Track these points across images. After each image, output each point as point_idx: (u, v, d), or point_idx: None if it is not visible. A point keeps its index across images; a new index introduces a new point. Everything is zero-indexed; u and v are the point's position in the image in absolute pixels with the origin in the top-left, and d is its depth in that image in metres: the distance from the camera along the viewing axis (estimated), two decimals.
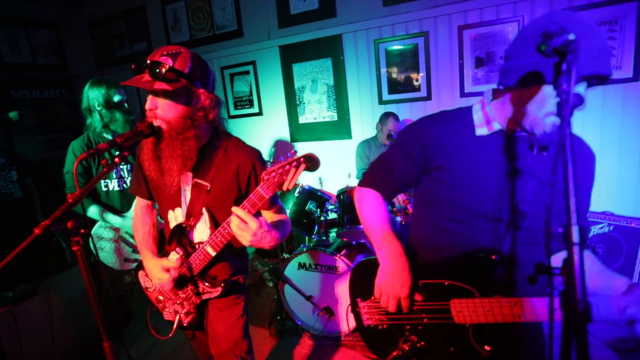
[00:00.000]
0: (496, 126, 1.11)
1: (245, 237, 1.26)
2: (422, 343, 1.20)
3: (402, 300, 1.15)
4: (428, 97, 3.72)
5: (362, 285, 1.32)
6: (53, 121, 5.21)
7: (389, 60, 3.78)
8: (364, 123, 4.06)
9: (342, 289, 2.69)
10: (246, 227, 1.24)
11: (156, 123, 1.34)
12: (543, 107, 0.93)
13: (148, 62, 1.26)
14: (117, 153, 1.27)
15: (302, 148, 4.35)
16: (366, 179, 1.34)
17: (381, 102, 3.92)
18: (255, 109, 4.58)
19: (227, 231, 1.34)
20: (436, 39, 3.56)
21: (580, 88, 0.90)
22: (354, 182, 4.10)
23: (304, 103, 4.29)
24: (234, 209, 1.26)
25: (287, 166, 1.18)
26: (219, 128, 1.48)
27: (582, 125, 3.17)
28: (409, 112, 3.83)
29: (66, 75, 5.38)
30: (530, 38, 0.95)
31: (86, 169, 2.18)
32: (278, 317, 2.93)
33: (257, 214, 1.42)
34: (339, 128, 4.17)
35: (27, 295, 2.36)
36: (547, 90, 0.91)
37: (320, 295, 2.75)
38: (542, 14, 0.99)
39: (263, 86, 4.48)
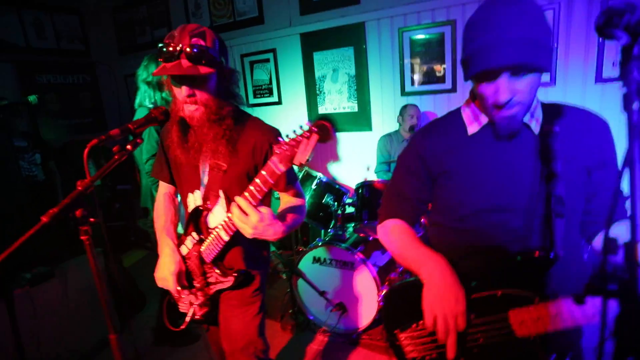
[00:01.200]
0: (484, 119, 1.09)
1: (245, 230, 1.20)
2: None
3: (459, 317, 0.99)
4: (453, 89, 3.57)
5: (400, 314, 1.17)
6: (76, 106, 5.27)
7: (414, 50, 3.64)
8: (385, 115, 3.94)
9: (357, 285, 2.62)
10: (246, 219, 1.17)
11: (191, 109, 1.30)
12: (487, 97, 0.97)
13: (182, 47, 1.21)
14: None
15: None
16: (383, 212, 1.29)
17: (404, 93, 3.78)
18: (275, 98, 4.51)
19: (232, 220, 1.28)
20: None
21: None
22: (372, 175, 4.00)
23: (324, 93, 4.19)
24: (237, 198, 1.19)
25: (299, 137, 1.09)
26: (236, 108, 1.43)
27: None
28: (432, 105, 3.69)
29: (89, 60, 5.42)
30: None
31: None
32: (290, 311, 2.89)
33: (270, 196, 1.37)
34: (359, 119, 4.07)
35: (45, 277, 2.38)
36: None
37: (334, 290, 2.69)
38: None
39: (283, 75, 4.40)
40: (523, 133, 1.06)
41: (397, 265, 2.83)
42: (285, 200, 1.46)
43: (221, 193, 1.40)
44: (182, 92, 1.27)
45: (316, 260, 2.73)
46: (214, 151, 1.35)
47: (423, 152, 1.17)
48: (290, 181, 1.44)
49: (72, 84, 5.24)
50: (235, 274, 1.41)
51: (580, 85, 3.10)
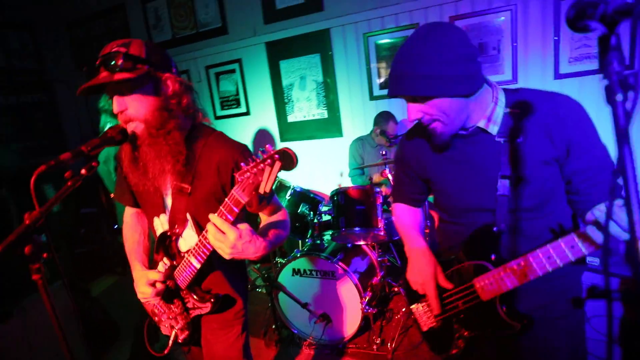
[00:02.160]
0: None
1: (223, 250, 1.10)
2: (469, 333, 1.24)
3: (430, 282, 1.23)
4: None
5: (413, 293, 1.36)
6: (31, 128, 4.98)
7: (379, 54, 3.65)
8: (355, 120, 3.93)
9: (340, 294, 2.57)
10: (224, 237, 1.08)
11: (131, 127, 1.20)
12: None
13: (100, 57, 1.14)
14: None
15: (292, 147, 4.18)
16: (392, 195, 1.55)
17: (372, 97, 3.79)
18: (243, 109, 4.42)
19: (208, 241, 1.18)
20: None
21: None
22: (346, 181, 3.97)
23: (292, 101, 4.14)
24: (211, 216, 1.10)
25: (261, 165, 1.00)
26: (196, 120, 1.32)
27: None
28: (401, 107, 3.71)
29: (44, 78, 5.15)
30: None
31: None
32: (273, 326, 2.79)
33: (248, 217, 1.27)
34: (330, 126, 4.04)
35: (1, 318, 2.18)
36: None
37: (316, 301, 2.62)
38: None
39: (250, 85, 4.32)
40: (482, 138, 1.16)
41: (379, 270, 2.80)
42: (264, 219, 1.38)
43: (189, 216, 1.30)
44: (114, 105, 1.17)
45: (296, 272, 2.66)
46: (161, 171, 1.23)
47: (408, 159, 1.36)
48: (262, 200, 1.33)
49: (26, 104, 4.95)
50: (213, 300, 1.31)
51: (540, 82, 3.19)
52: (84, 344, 1.07)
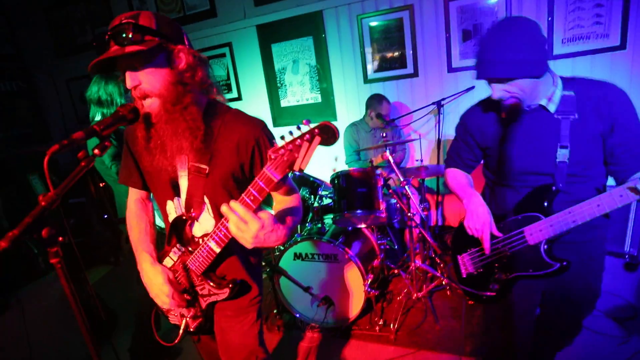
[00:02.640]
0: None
1: (246, 240, 1.05)
2: (507, 276, 1.51)
3: (486, 226, 1.46)
4: (415, 74, 3.59)
5: (461, 243, 1.65)
6: (12, 117, 4.77)
7: (373, 36, 3.61)
8: (350, 103, 3.90)
9: (342, 277, 2.57)
10: (246, 227, 1.02)
11: (146, 104, 1.13)
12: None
13: (109, 31, 1.07)
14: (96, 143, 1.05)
15: (285, 132, 4.14)
16: (446, 162, 1.78)
17: (366, 80, 3.76)
18: (234, 94, 4.33)
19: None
20: (422, 12, 3.42)
21: None
22: (341, 166, 3.96)
23: (285, 85, 4.08)
24: (232, 203, 1.03)
25: (299, 140, 0.96)
26: (212, 95, 1.26)
27: None
28: (395, 90, 3.70)
29: (22, 65, 4.92)
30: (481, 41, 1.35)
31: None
32: (275, 311, 2.79)
33: (268, 200, 1.23)
34: (324, 110, 4.00)
35: None
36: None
37: (318, 285, 2.62)
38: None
39: (241, 69, 4.23)
40: (542, 114, 1.39)
41: (379, 253, 2.81)
42: (279, 199, 1.33)
43: (206, 199, 1.26)
44: (128, 81, 1.12)
45: (297, 256, 2.64)
46: (179, 148, 1.17)
47: (471, 128, 1.58)
48: (281, 180, 1.32)
49: (5, 92, 4.73)
50: (231, 285, 1.28)
51: None
52: (87, 332, 1.02)
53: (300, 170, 0.99)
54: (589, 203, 1.26)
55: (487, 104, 1.50)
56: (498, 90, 1.33)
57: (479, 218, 1.49)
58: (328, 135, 0.96)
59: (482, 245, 1.50)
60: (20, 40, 4.92)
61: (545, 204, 1.39)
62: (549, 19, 3.08)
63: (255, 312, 1.41)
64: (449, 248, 1.69)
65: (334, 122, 3.86)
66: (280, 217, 1.22)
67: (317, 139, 0.96)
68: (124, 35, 1.05)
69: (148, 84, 1.11)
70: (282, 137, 1.00)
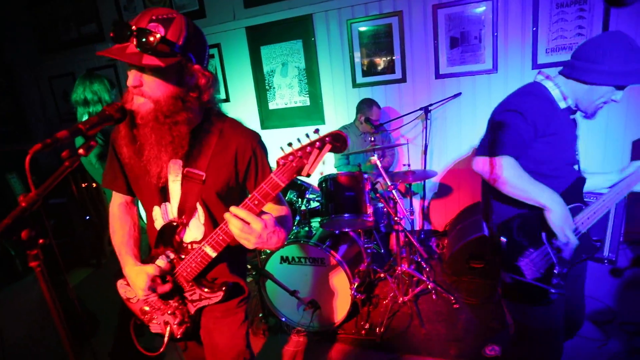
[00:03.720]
0: (567, 103, 1.50)
1: (249, 240, 1.06)
2: (568, 266, 1.52)
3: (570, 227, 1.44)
4: (403, 79, 3.61)
5: (519, 244, 1.51)
6: None
7: (363, 41, 3.63)
8: (338, 107, 3.90)
9: (329, 281, 2.56)
10: (250, 229, 1.03)
11: (137, 102, 1.10)
12: (602, 98, 1.45)
13: (134, 29, 1.01)
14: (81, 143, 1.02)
15: (273, 135, 4.13)
16: (499, 150, 1.46)
17: (355, 85, 3.77)
18: (222, 96, 4.29)
19: (227, 230, 1.13)
20: (410, 18, 3.45)
21: None
22: (328, 169, 3.95)
23: (274, 88, 4.06)
24: (233, 209, 1.04)
25: (309, 147, 0.97)
26: (212, 110, 1.24)
27: None
28: (383, 95, 3.72)
29: (2, 61, 4.79)
30: (614, 53, 1.37)
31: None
32: (260, 314, 2.76)
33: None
34: (312, 113, 3.99)
35: None
36: (609, 88, 1.41)
37: (305, 289, 2.60)
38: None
39: (229, 71, 4.19)
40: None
41: (365, 257, 2.81)
42: (271, 208, 1.32)
43: (199, 206, 1.24)
44: (130, 77, 1.08)
45: (284, 259, 2.62)
46: (156, 158, 1.15)
47: (533, 116, 1.44)
48: None
49: None
50: (224, 288, 1.26)
51: (519, 71, 3.28)
52: (66, 335, 0.98)
53: (308, 175, 1.01)
54: (612, 191, 1.51)
55: (541, 97, 1.48)
56: (620, 95, 1.45)
57: (568, 217, 1.42)
58: (340, 143, 0.98)
59: (555, 245, 1.46)
60: (1, 36, 4.78)
61: (580, 193, 1.54)
62: (534, 29, 3.14)
63: (244, 312, 1.40)
64: (489, 255, 1.68)
65: (321, 126, 3.92)
66: (279, 221, 1.21)
67: (328, 146, 0.97)
68: (147, 41, 1.00)
69: (149, 89, 1.08)
70: (290, 144, 1.00)
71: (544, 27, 3.12)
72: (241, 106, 4.26)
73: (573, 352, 2.20)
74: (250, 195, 1.08)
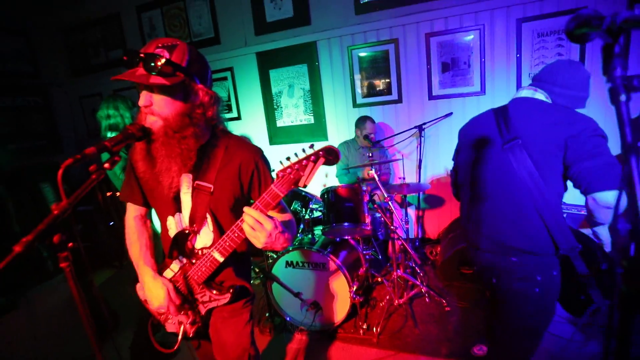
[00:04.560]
0: None
1: (259, 239, 1.08)
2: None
3: None
4: (399, 100, 3.66)
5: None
6: (27, 129, 4.74)
7: (362, 65, 3.69)
8: (340, 125, 3.95)
9: (330, 284, 2.57)
10: (261, 228, 1.06)
11: (150, 120, 1.14)
12: None
13: (142, 54, 1.07)
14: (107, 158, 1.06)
15: (280, 150, 4.18)
16: (616, 178, 1.21)
17: (355, 105, 3.82)
18: (234, 114, 4.36)
19: (236, 235, 1.16)
20: (405, 45, 3.51)
21: None
22: (331, 181, 3.99)
23: (281, 107, 4.13)
24: (247, 209, 1.08)
25: (305, 161, 1.01)
26: (217, 127, 1.28)
27: None
28: (381, 114, 3.76)
29: (39, 82, 4.92)
30: (585, 81, 1.43)
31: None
32: (267, 314, 2.76)
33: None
34: (316, 131, 4.04)
35: (7, 309, 2.06)
36: None
37: (308, 291, 2.62)
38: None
39: (241, 91, 4.27)
40: None
41: (364, 262, 2.82)
42: (275, 216, 1.34)
43: (208, 215, 1.27)
44: (141, 98, 1.13)
45: (289, 264, 2.64)
46: (167, 170, 1.18)
47: None
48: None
49: (21, 107, 4.71)
50: (232, 290, 1.29)
51: (505, 94, 3.31)
52: (91, 329, 1.00)
53: (305, 186, 1.04)
54: None
55: None
56: None
57: None
58: (332, 156, 1.02)
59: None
60: (39, 60, 4.92)
61: None
62: (517, 55, 3.19)
63: (249, 313, 1.42)
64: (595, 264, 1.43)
65: (325, 142, 3.96)
66: (284, 225, 1.24)
67: (322, 159, 1.02)
68: (153, 64, 1.06)
69: (158, 107, 1.13)
70: (288, 158, 1.04)
71: (527, 53, 3.16)
72: (251, 123, 4.32)
73: (554, 352, 2.19)
74: (253, 205, 1.10)
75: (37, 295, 2.23)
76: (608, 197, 1.22)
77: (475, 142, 1.56)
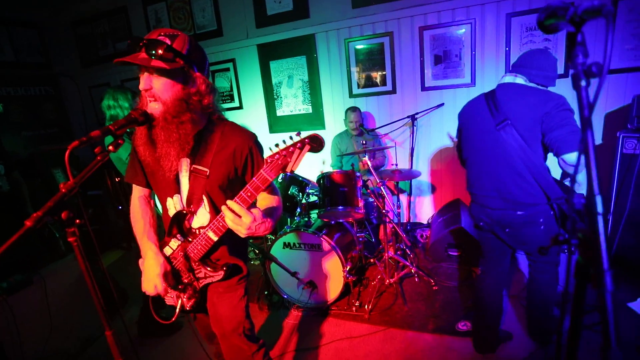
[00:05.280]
0: None
1: (240, 231, 1.11)
2: None
3: None
4: (393, 91, 3.65)
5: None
6: (39, 117, 4.74)
7: (358, 57, 3.67)
8: (336, 115, 3.95)
9: (324, 264, 2.61)
10: (240, 221, 1.09)
11: (151, 107, 1.16)
12: None
13: (145, 40, 1.08)
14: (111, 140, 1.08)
15: (280, 138, 4.15)
16: (578, 142, 1.52)
17: (351, 95, 3.81)
18: (236, 103, 4.36)
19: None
20: (400, 38, 3.48)
21: None
22: (327, 168, 4.01)
23: (281, 97, 4.12)
24: (229, 202, 1.09)
25: (291, 148, 1.03)
26: (214, 115, 1.29)
27: None
28: (376, 105, 3.76)
29: (50, 73, 4.90)
30: (555, 64, 1.70)
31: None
32: (265, 292, 2.82)
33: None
34: (314, 120, 4.04)
35: (22, 285, 2.10)
36: None
37: (304, 271, 2.66)
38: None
39: (243, 82, 4.26)
40: None
41: (357, 244, 2.86)
42: (263, 196, 1.36)
43: (204, 197, 1.29)
44: (141, 82, 1.14)
45: (286, 245, 2.68)
46: (167, 154, 1.19)
47: None
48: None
49: (34, 96, 4.70)
50: (225, 268, 1.32)
51: (494, 86, 3.28)
52: (98, 301, 1.02)
53: (292, 171, 1.06)
54: None
55: None
56: None
57: None
58: (317, 144, 1.03)
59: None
60: (50, 51, 4.89)
61: None
62: (506, 49, 3.17)
63: (243, 289, 1.44)
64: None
65: (322, 131, 3.97)
66: (267, 212, 1.25)
67: (307, 147, 1.03)
68: (155, 49, 1.07)
69: (158, 91, 1.14)
70: (277, 145, 1.06)
71: (516, 47, 3.14)
72: (252, 113, 4.32)
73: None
74: (244, 188, 1.12)
75: (50, 272, 2.27)
76: (572, 157, 1.52)
77: (472, 123, 1.84)
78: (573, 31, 0.60)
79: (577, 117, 1.40)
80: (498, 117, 1.67)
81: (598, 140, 3.11)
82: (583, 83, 0.58)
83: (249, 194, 1.12)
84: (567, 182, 1.92)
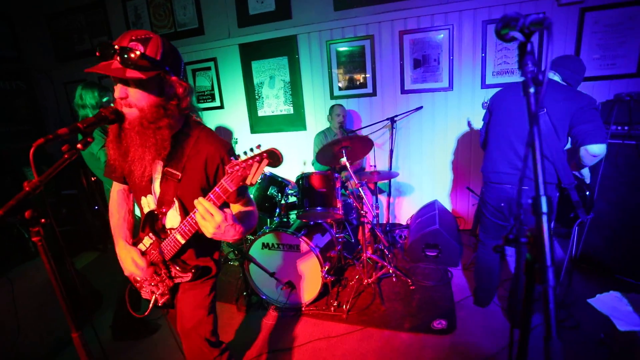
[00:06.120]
0: None
1: (207, 229, 1.07)
2: None
3: None
4: (373, 94, 3.70)
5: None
6: (11, 113, 4.57)
7: (340, 59, 3.71)
8: (318, 116, 3.97)
9: (303, 265, 2.62)
10: (211, 218, 1.05)
11: (127, 111, 1.13)
12: None
13: (116, 47, 1.04)
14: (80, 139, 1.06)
15: (261, 139, 4.18)
16: (601, 136, 1.86)
17: (332, 97, 3.84)
18: (217, 103, 4.32)
19: (194, 220, 1.17)
20: (381, 41, 3.54)
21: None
22: (309, 168, 4.02)
23: (262, 97, 4.11)
24: (200, 199, 1.07)
25: (250, 161, 1.02)
26: (190, 117, 1.28)
27: None
28: (357, 106, 3.80)
29: (23, 67, 4.72)
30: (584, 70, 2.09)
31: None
32: (244, 293, 2.80)
33: (225, 205, 1.26)
34: (295, 121, 4.05)
35: None
36: None
37: (282, 271, 2.66)
38: None
39: (224, 81, 4.22)
40: None
41: (336, 245, 2.88)
42: (236, 209, 1.35)
43: (175, 200, 1.28)
44: (116, 91, 1.11)
45: (265, 245, 2.68)
46: (140, 158, 1.16)
47: None
48: (240, 194, 1.32)
49: (5, 91, 4.52)
50: (193, 270, 1.32)
51: (470, 90, 3.40)
52: (64, 302, 1.00)
53: (252, 184, 1.05)
54: None
55: None
56: None
57: None
58: (274, 160, 1.02)
59: None
60: (22, 44, 4.72)
61: None
62: (482, 55, 3.26)
63: (209, 287, 1.43)
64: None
65: (303, 132, 3.98)
66: (239, 217, 1.26)
67: (265, 161, 1.02)
68: (128, 57, 1.03)
69: (134, 99, 1.11)
70: (238, 156, 1.04)
71: (491, 53, 3.24)
72: (233, 113, 4.29)
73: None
74: (206, 196, 1.10)
75: (18, 274, 2.19)
76: (594, 148, 1.85)
77: (509, 107, 2.09)
78: (524, 41, 0.63)
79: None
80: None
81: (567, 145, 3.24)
82: (532, 90, 0.62)
83: (212, 202, 1.09)
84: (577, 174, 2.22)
